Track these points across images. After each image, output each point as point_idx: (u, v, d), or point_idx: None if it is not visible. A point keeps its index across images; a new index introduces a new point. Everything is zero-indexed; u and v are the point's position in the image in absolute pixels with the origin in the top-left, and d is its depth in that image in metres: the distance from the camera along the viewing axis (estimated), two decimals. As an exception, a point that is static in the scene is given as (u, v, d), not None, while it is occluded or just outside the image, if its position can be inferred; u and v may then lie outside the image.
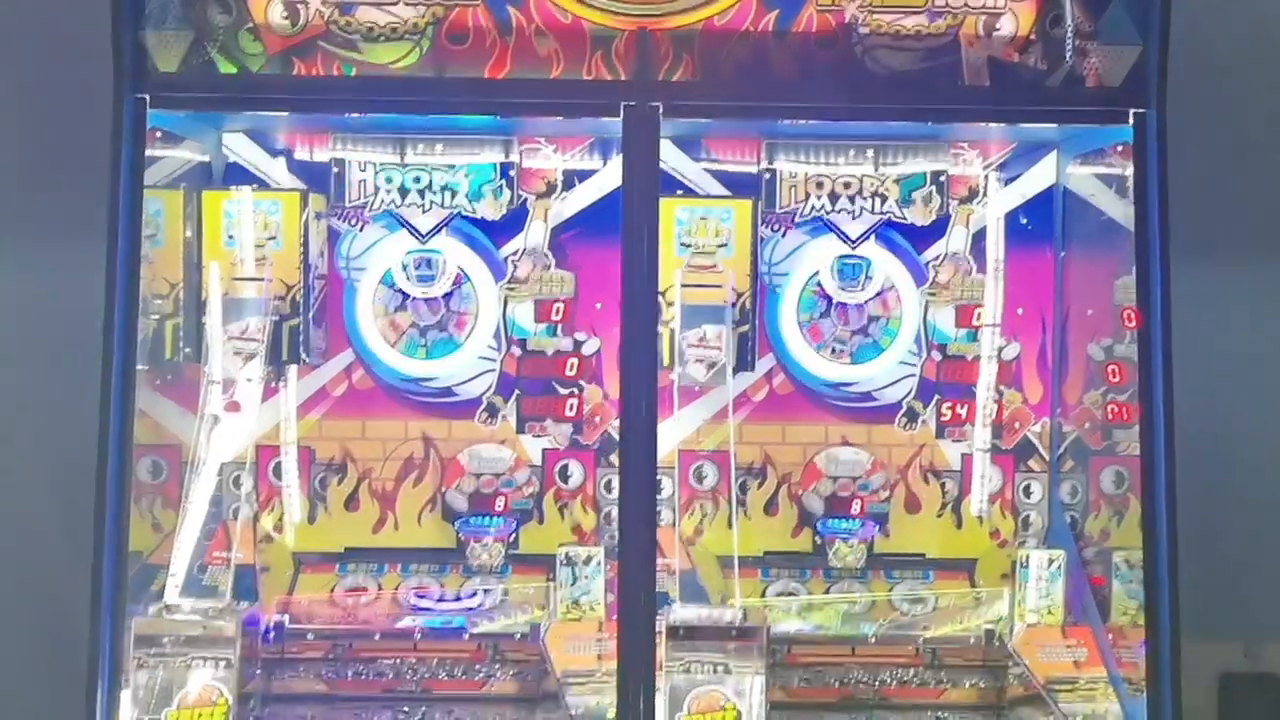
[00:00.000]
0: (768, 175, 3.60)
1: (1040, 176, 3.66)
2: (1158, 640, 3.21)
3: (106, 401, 3.21)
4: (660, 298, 3.23)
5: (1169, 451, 3.24)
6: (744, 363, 3.47)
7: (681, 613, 3.35)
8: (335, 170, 3.69)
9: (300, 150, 3.62)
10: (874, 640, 3.46)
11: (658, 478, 3.17)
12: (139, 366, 3.40)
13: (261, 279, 3.41)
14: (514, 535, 3.57)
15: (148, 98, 3.26)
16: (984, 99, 3.37)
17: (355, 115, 3.26)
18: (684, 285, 3.43)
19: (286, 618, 3.45)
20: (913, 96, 3.34)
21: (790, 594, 3.68)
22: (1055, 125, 3.41)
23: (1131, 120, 3.30)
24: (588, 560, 3.52)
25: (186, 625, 3.22)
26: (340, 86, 3.19)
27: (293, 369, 3.55)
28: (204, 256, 3.43)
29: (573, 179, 3.58)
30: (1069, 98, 3.35)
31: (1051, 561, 3.59)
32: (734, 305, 3.42)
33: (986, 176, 3.65)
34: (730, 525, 3.51)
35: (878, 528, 3.62)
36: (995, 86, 3.22)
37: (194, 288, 3.44)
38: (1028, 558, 3.57)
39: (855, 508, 3.66)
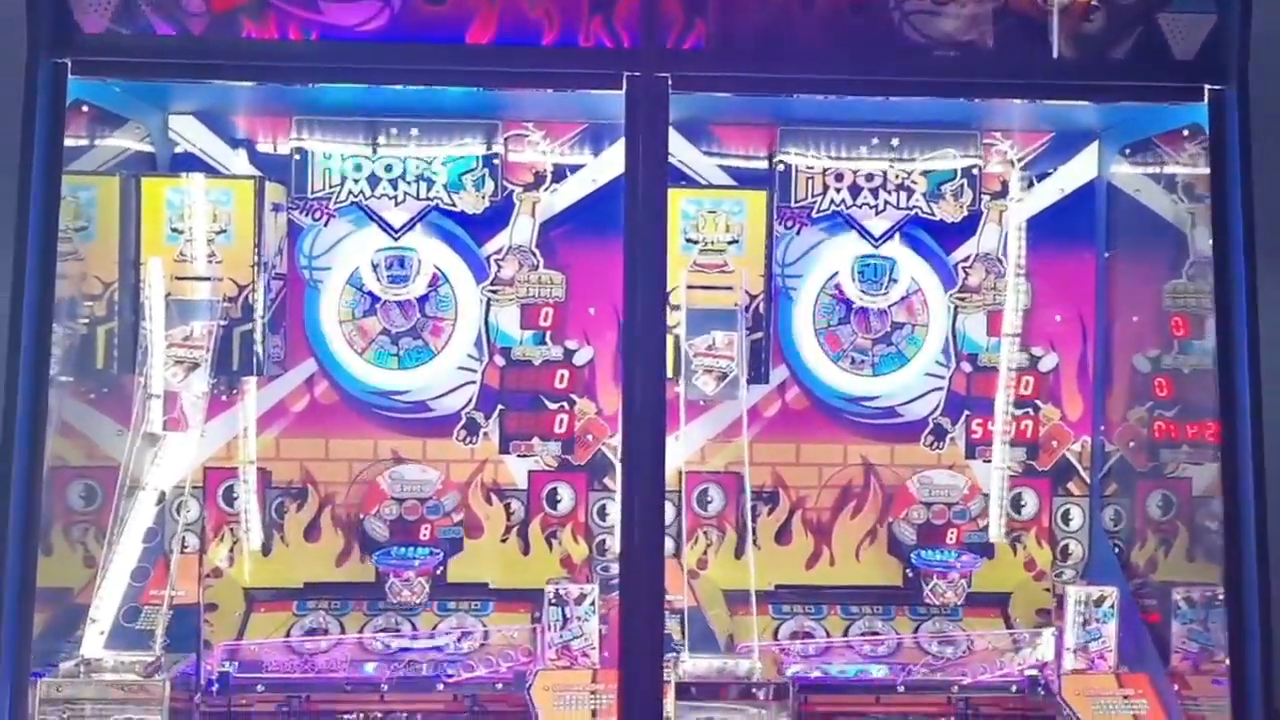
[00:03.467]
0: (781, 166, 3.27)
1: (1080, 169, 3.33)
2: (1244, 692, 2.61)
3: (10, 418, 2.55)
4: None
5: (1259, 476, 2.69)
6: (757, 374, 3.13)
7: (692, 664, 2.85)
8: (295, 156, 3.21)
9: (257, 134, 3.24)
10: (902, 689, 3.02)
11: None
12: (64, 378, 2.92)
13: (209, 278, 3.02)
14: (440, 568, 3.16)
15: (69, 63, 2.74)
16: (1036, 72, 2.89)
17: (314, 86, 2.87)
18: (690, 287, 3.09)
19: (234, 666, 2.99)
20: (957, 69, 2.86)
21: (806, 635, 3.23)
22: (1114, 104, 3.01)
23: (1207, 98, 2.77)
24: (580, 599, 3.01)
25: (102, 687, 2.55)
26: (296, 53, 2.79)
27: (249, 381, 3.16)
28: (143, 252, 3.03)
29: (564, 169, 3.25)
30: (1136, 72, 2.80)
31: (1102, 600, 3.09)
32: (746, 309, 3.09)
33: (1021, 169, 3.31)
34: (739, 555, 3.22)
35: (972, 559, 3.25)
36: (1050, 59, 2.86)
37: (131, 288, 3.03)
38: (1081, 596, 3.08)
39: (950, 537, 3.28)
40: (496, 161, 3.21)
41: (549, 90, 2.85)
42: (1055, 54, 2.82)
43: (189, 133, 3.23)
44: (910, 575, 3.25)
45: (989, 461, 3.32)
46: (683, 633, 2.97)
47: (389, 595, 3.13)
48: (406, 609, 3.20)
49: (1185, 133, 2.98)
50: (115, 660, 2.77)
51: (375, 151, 3.20)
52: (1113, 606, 3.07)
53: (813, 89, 2.86)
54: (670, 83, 2.72)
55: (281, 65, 2.81)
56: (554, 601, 3.00)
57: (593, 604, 3.00)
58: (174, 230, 3.04)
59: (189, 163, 3.20)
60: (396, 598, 3.12)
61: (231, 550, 3.21)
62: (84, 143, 2.99)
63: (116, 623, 2.89)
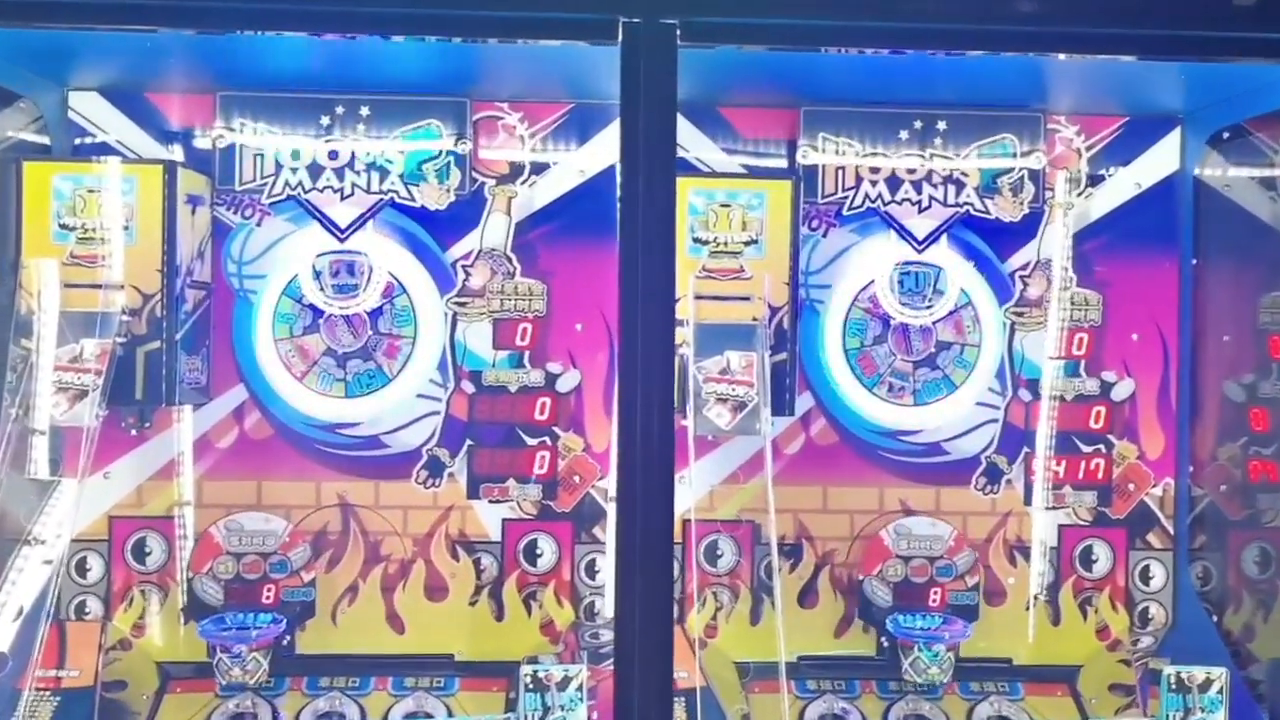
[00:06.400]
0: (805, 155, 2.94)
1: (1160, 160, 3.02)
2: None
3: None
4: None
5: None
6: (780, 403, 2.76)
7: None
8: (219, 140, 2.84)
9: (178, 114, 2.90)
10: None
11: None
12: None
13: (103, 285, 2.61)
14: (285, 637, 2.78)
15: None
16: (1128, 18, 2.39)
17: (242, 34, 2.44)
18: (700, 297, 2.73)
19: (139, 769, 2.68)
20: (1022, 13, 2.37)
21: (837, 719, 2.84)
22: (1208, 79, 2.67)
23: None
24: (565, 682, 2.52)
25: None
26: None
27: (183, 410, 2.84)
28: (24, 253, 2.64)
29: (546, 159, 2.95)
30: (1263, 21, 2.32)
31: (1209, 683, 2.58)
32: (768, 324, 2.74)
33: (1089, 158, 3.01)
34: (756, 621, 2.93)
35: (966, 626, 2.89)
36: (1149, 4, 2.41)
37: (9, 294, 2.65)
38: (1180, 678, 2.57)
39: (934, 598, 2.92)
40: (464, 148, 2.89)
41: (526, 41, 2.41)
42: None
43: (94, 114, 2.86)
44: (885, 644, 2.90)
45: (1055, 509, 3.00)
46: (688, 717, 2.63)
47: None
48: (354, 689, 2.80)
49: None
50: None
51: (318, 135, 2.85)
52: (1221, 692, 2.54)
53: (850, 39, 2.37)
54: (679, 32, 2.27)
55: (196, 5, 2.32)
56: (531, 687, 2.52)
57: (580, 688, 2.52)
58: (63, 227, 2.65)
59: (96, 147, 2.85)
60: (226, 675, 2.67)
61: (142, 616, 2.86)
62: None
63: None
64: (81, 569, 2.81)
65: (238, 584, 2.80)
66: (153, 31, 2.41)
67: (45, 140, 2.81)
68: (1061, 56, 2.51)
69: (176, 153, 2.83)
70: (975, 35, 2.37)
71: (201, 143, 2.86)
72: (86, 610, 2.82)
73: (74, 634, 2.73)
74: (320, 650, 2.82)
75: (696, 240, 2.72)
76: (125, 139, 2.83)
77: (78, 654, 2.68)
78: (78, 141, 2.83)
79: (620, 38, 2.26)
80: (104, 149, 2.81)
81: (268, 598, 2.79)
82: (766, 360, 2.67)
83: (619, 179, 2.32)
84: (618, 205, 2.33)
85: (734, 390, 2.63)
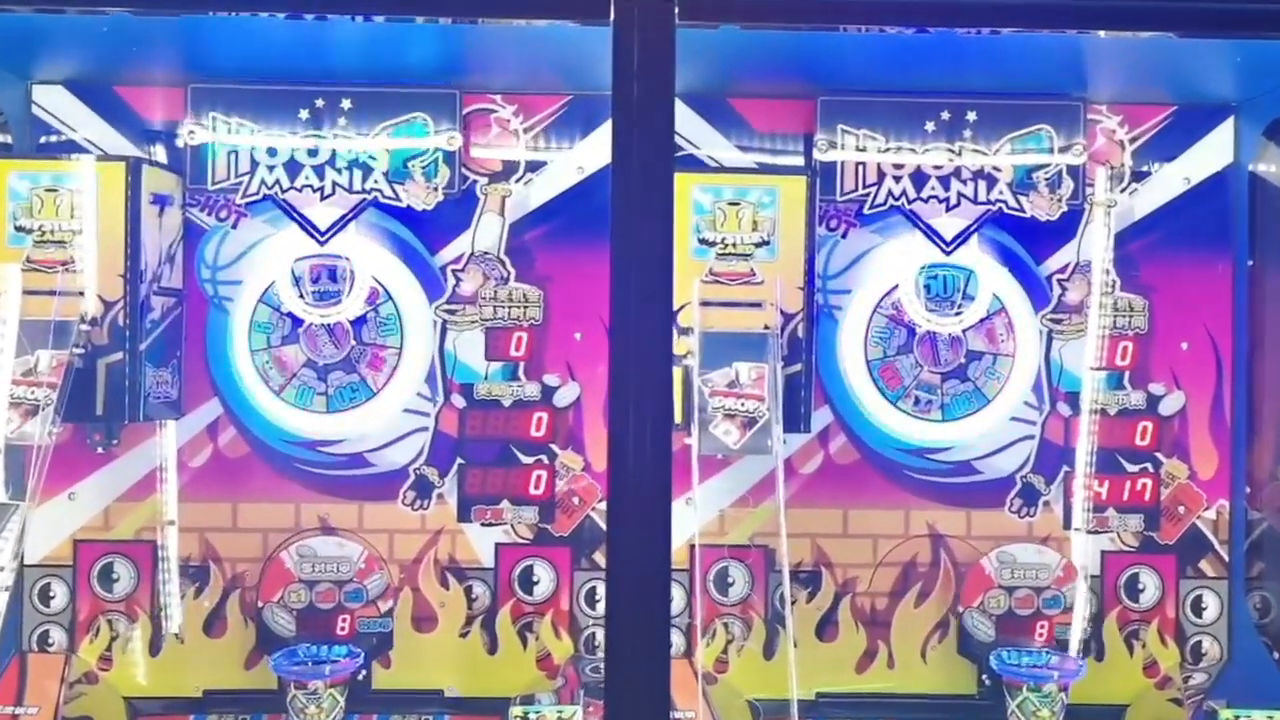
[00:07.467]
0: (822, 149, 2.79)
1: (1212, 153, 2.89)
2: None
3: None
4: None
5: None
6: (794, 419, 2.62)
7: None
8: (190, 133, 2.70)
9: (145, 107, 2.77)
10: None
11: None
12: None
13: (57, 292, 2.44)
14: (361, 671, 2.68)
15: None
16: None
17: (212, 15, 2.33)
18: (706, 303, 2.60)
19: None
20: None
21: None
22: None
23: None
24: None
25: None
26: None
27: (167, 426, 2.72)
28: None
29: (542, 155, 2.86)
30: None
31: None
32: (781, 332, 2.62)
33: (1133, 151, 2.85)
34: (770, 655, 2.79)
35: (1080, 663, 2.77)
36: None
37: None
38: (1230, 718, 2.48)
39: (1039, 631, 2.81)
40: (454, 143, 2.77)
41: (515, 22, 2.27)
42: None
43: (60, 109, 2.74)
44: (987, 682, 2.77)
45: (1097, 533, 2.84)
46: (700, 763, 2.51)
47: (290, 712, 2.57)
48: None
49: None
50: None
51: (296, 130, 2.71)
52: (1287, 739, 2.35)
53: (869, 16, 2.20)
54: (676, 9, 2.10)
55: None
56: (523, 728, 2.38)
57: (576, 731, 2.41)
58: (19, 229, 2.51)
59: (63, 144, 2.74)
60: (301, 714, 2.54)
61: (110, 647, 2.74)
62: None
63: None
64: (45, 596, 2.67)
65: (310, 614, 2.71)
66: (120, 11, 2.24)
67: (6, 139, 2.68)
68: (1102, 34, 2.31)
69: (150, 151, 2.70)
70: (1006, 8, 2.16)
71: (174, 138, 2.71)
72: (50, 641, 2.68)
73: (35, 666, 2.59)
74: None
75: (703, 241, 2.58)
76: (93, 136, 2.71)
77: (38, 687, 2.53)
78: (42, 139, 2.70)
79: (613, 18, 2.07)
80: (71, 147, 2.69)
81: (342, 629, 2.70)
82: (779, 372, 2.53)
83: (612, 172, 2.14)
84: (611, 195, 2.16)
85: (743, 405, 2.48)
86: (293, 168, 2.73)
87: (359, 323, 2.78)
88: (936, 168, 2.79)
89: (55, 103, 2.72)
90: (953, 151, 2.78)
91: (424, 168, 2.74)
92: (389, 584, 2.77)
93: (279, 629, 2.70)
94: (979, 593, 2.80)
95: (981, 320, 2.84)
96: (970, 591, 2.80)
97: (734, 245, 2.58)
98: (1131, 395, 2.82)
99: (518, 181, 2.82)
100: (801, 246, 2.60)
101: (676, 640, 2.67)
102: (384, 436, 2.80)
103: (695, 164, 2.81)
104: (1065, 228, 2.84)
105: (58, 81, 2.72)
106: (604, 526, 2.76)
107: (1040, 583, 2.81)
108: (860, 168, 2.80)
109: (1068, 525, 2.83)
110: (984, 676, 2.75)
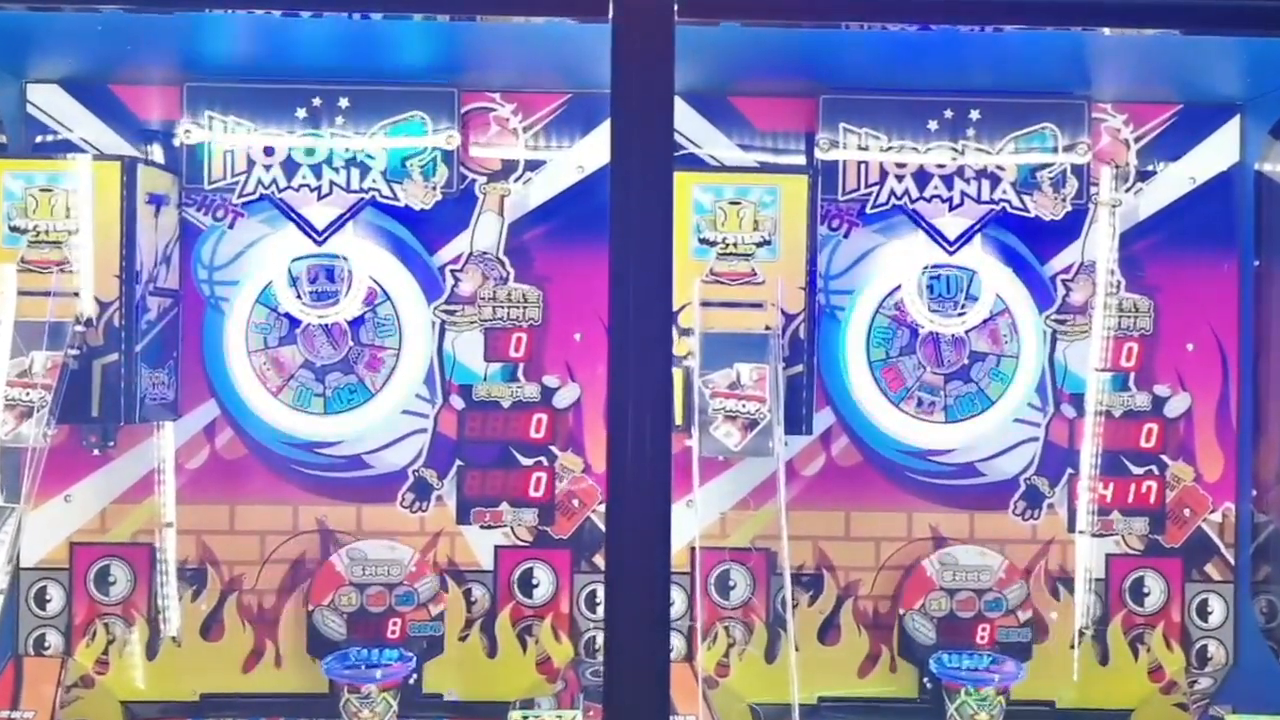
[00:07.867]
0: (824, 148, 2.77)
1: (1217, 152, 2.88)
2: None
3: None
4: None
5: None
6: (796, 420, 2.60)
7: None
8: (186, 132, 2.68)
9: (140, 106, 2.76)
10: None
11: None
12: None
13: (51, 293, 2.43)
14: (412, 676, 2.68)
15: None
16: None
17: (209, 13, 2.31)
18: (706, 304, 2.59)
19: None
20: None
21: None
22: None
23: None
24: None
25: None
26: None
27: (165, 427, 2.71)
28: None
29: (542, 154, 2.85)
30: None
31: None
32: (782, 334, 2.61)
33: (1138, 150, 2.84)
34: (772, 659, 2.78)
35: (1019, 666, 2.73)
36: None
37: None
38: None
39: (981, 634, 2.74)
40: (453, 142, 2.76)
41: (513, 19, 2.26)
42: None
43: (55, 108, 2.73)
44: (929, 686, 2.75)
45: (1102, 536, 2.81)
46: (702, 766, 2.49)
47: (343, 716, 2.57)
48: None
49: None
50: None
51: (292, 129, 2.70)
52: (1296, 746, 2.33)
53: (871, 14, 2.18)
54: (676, 6, 2.06)
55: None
56: (524, 732, 2.40)
57: (576, 736, 2.40)
58: (13, 229, 2.49)
59: (60, 144, 2.73)
60: (354, 718, 2.55)
61: (107, 651, 2.72)
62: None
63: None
64: (41, 599, 2.65)
65: (361, 617, 2.68)
66: (115, 9, 2.23)
67: (0, 139, 2.65)
68: (1107, 31, 2.29)
69: (145, 150, 2.69)
70: (1010, 5, 2.14)
71: (170, 138, 2.70)
72: (46, 644, 2.66)
73: (31, 670, 2.57)
74: (302, 689, 2.66)
75: (703, 241, 2.56)
76: (88, 135, 2.69)
77: (34, 691, 2.51)
78: (37, 139, 2.69)
79: (611, 15, 2.03)
80: (66, 146, 2.68)
81: (393, 633, 2.68)
82: (780, 373, 2.50)
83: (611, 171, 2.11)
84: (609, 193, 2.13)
85: (744, 407, 2.45)
86: (290, 167, 2.71)
87: (357, 323, 2.77)
88: (939, 167, 2.77)
89: (50, 102, 2.72)
90: (956, 150, 2.75)
91: (422, 167, 2.72)
92: (439, 589, 2.72)
93: (330, 632, 2.67)
94: (920, 595, 2.75)
95: (985, 321, 2.83)
96: (911, 594, 2.75)
97: (735, 245, 2.56)
98: (1136, 397, 2.81)
99: (517, 181, 2.81)
100: (803, 246, 2.58)
101: (677, 643, 2.68)
102: (382, 438, 2.78)
103: (696, 163, 2.79)
104: (1069, 228, 2.83)
105: (53, 80, 2.72)
106: (604, 529, 2.79)
107: (982, 585, 2.76)
108: (862, 167, 2.78)
109: (1072, 528, 2.81)
110: (925, 680, 2.72)
